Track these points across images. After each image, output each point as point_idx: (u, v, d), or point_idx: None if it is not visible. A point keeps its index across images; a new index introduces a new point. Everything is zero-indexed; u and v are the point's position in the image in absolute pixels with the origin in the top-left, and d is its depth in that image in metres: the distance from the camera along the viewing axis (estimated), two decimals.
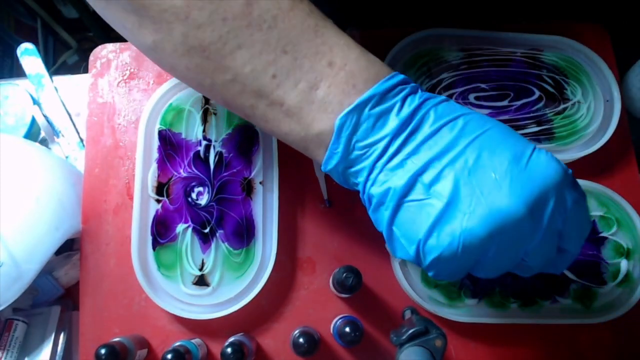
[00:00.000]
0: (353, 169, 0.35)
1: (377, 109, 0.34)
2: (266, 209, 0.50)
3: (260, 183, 0.50)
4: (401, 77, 0.35)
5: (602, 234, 0.51)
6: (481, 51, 0.55)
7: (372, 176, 0.34)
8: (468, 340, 0.50)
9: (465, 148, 0.32)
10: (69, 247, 0.56)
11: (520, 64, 0.55)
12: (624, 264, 0.50)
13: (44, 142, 0.61)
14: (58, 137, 0.60)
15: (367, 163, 0.34)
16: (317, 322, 0.50)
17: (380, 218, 0.35)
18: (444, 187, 0.32)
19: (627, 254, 0.51)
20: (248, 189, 0.50)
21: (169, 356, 0.42)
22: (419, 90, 0.35)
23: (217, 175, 0.50)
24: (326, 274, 0.51)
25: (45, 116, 0.61)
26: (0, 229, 0.44)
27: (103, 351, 0.42)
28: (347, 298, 0.51)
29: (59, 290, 0.54)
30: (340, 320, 0.47)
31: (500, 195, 0.31)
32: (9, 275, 0.45)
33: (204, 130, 0.51)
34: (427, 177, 0.33)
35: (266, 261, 0.49)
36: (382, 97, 0.34)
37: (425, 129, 0.33)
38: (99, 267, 0.51)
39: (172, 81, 0.52)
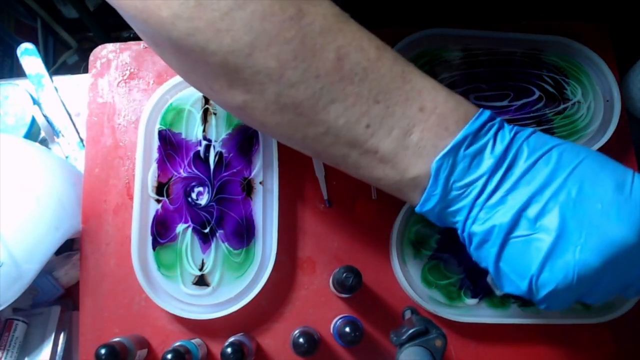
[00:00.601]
0: (451, 209, 0.36)
1: (472, 149, 0.34)
2: (266, 209, 0.50)
3: (260, 183, 0.50)
4: (488, 113, 0.35)
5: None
6: (481, 51, 0.55)
7: (472, 214, 0.35)
8: (468, 340, 0.50)
9: (565, 180, 0.33)
10: (69, 247, 0.56)
11: (520, 64, 0.55)
12: None
13: (44, 142, 0.61)
14: (58, 137, 0.60)
15: (466, 202, 0.35)
16: (317, 322, 0.50)
17: (486, 255, 0.36)
18: (551, 221, 0.33)
19: None
20: (248, 189, 0.50)
21: (169, 356, 0.42)
22: (506, 125, 0.36)
23: (217, 175, 0.50)
24: (326, 274, 0.51)
25: (45, 116, 0.61)
26: (0, 229, 0.44)
27: (103, 351, 0.42)
28: (347, 298, 0.51)
29: (59, 290, 0.54)
30: (340, 320, 0.47)
31: (610, 226, 0.32)
32: (9, 275, 0.45)
33: (204, 130, 0.51)
34: (531, 212, 0.33)
35: (266, 261, 0.49)
36: (475, 136, 0.34)
37: (521, 164, 0.34)
38: (99, 267, 0.51)
39: (172, 81, 0.52)
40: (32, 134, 0.60)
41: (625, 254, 0.32)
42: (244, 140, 0.51)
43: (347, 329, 0.44)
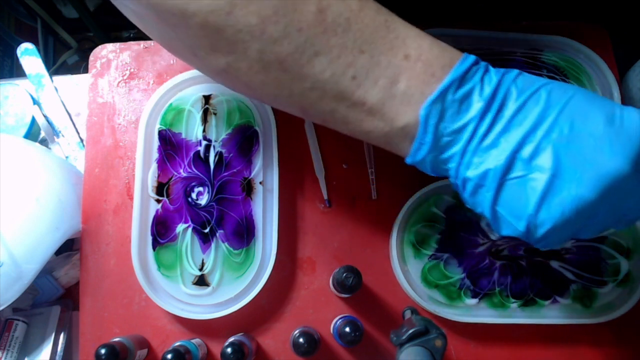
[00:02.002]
0: (443, 156, 0.36)
1: (459, 93, 0.34)
2: (266, 209, 0.50)
3: (260, 183, 0.50)
4: (473, 57, 0.35)
5: (602, 234, 0.51)
6: (481, 51, 0.55)
7: (465, 160, 0.35)
8: (468, 340, 0.50)
9: (556, 118, 0.33)
10: (69, 247, 0.56)
11: (520, 64, 0.55)
12: (624, 264, 0.50)
13: (44, 142, 0.61)
14: (58, 137, 0.60)
15: (458, 148, 0.35)
16: (317, 322, 0.50)
17: (481, 200, 0.35)
18: (545, 159, 0.32)
19: (627, 253, 0.51)
20: (248, 189, 0.50)
21: (169, 356, 0.42)
22: (490, 68, 0.35)
23: (217, 175, 0.50)
24: (326, 274, 0.51)
25: (45, 116, 0.61)
26: (0, 229, 0.44)
27: (103, 351, 0.42)
28: (347, 298, 0.51)
29: (59, 290, 0.54)
30: (340, 320, 0.47)
31: (604, 158, 0.32)
32: (9, 275, 0.45)
33: (204, 130, 0.51)
34: (525, 152, 0.33)
35: (266, 261, 0.49)
36: (462, 80, 0.34)
37: (511, 106, 0.34)
38: (99, 267, 0.51)
39: (172, 81, 0.52)
40: (32, 134, 0.60)
41: (620, 184, 0.32)
42: (244, 140, 0.51)
43: (347, 329, 0.44)
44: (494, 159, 0.34)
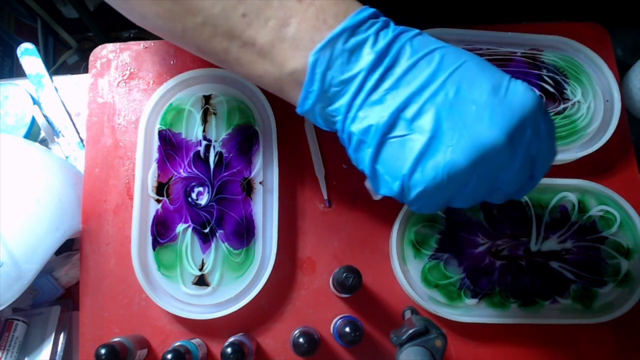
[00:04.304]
0: (330, 108, 0.35)
1: (350, 43, 0.33)
2: (266, 209, 0.50)
3: (260, 183, 0.50)
4: (372, 10, 0.35)
5: (602, 234, 0.51)
6: (481, 51, 0.55)
7: (351, 114, 0.34)
8: (468, 340, 0.50)
9: (444, 82, 0.32)
10: (69, 247, 0.56)
11: (520, 64, 0.55)
12: (624, 264, 0.50)
13: (44, 142, 0.61)
14: (58, 137, 0.60)
15: (344, 100, 0.34)
16: (317, 322, 0.50)
17: (362, 157, 0.35)
18: (426, 121, 0.32)
19: (627, 253, 0.51)
20: (248, 189, 0.50)
21: (169, 356, 0.42)
22: (391, 24, 0.35)
23: (217, 175, 0.50)
24: (326, 274, 0.51)
25: (45, 116, 0.61)
26: (0, 229, 0.44)
27: (103, 351, 0.42)
28: (347, 298, 0.51)
29: (59, 290, 0.54)
30: (340, 320, 0.47)
31: (482, 127, 0.32)
32: (9, 275, 0.45)
33: (204, 130, 0.51)
34: (408, 112, 0.33)
35: (266, 261, 0.49)
36: (354, 31, 0.33)
37: (403, 63, 0.33)
38: (99, 267, 0.51)
39: (172, 81, 0.52)
40: (32, 134, 0.60)
41: (494, 155, 0.32)
42: (244, 140, 0.51)
43: (347, 329, 0.44)
44: (378, 115, 0.33)
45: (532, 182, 0.36)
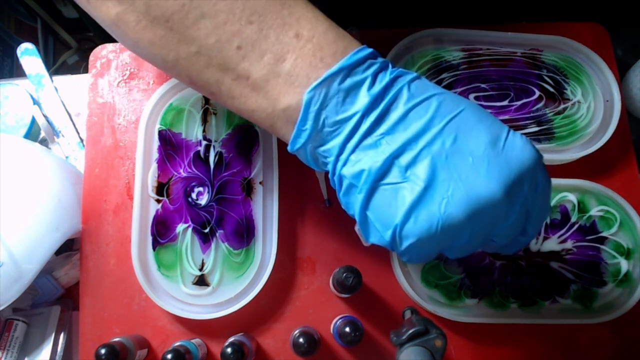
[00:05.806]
0: (322, 148, 0.34)
1: (347, 84, 0.33)
2: (266, 209, 0.50)
3: (260, 183, 0.50)
4: (370, 50, 0.34)
5: (602, 234, 0.51)
6: (481, 51, 0.55)
7: (343, 156, 0.33)
8: (468, 340, 0.50)
9: (441, 130, 0.32)
10: (69, 247, 0.56)
11: (520, 64, 0.55)
12: (624, 264, 0.50)
13: (44, 142, 0.61)
14: (58, 137, 0.60)
15: (337, 141, 0.33)
16: (317, 322, 0.50)
17: (353, 201, 0.34)
18: (422, 170, 0.31)
19: (627, 253, 0.51)
20: (248, 189, 0.50)
21: (169, 356, 0.42)
22: (389, 66, 0.34)
23: (217, 175, 0.50)
24: (326, 274, 0.51)
25: (45, 116, 0.61)
26: (0, 229, 0.44)
27: (103, 351, 0.42)
28: (347, 298, 0.51)
29: (59, 290, 0.54)
30: (340, 320, 0.47)
31: (479, 180, 0.31)
32: (9, 275, 0.45)
33: (204, 130, 0.51)
34: (404, 159, 0.32)
35: (266, 261, 0.49)
36: (352, 70, 0.33)
37: (400, 108, 0.33)
38: (99, 267, 0.51)
39: (172, 81, 0.52)
40: (32, 134, 0.60)
41: (490, 209, 0.31)
42: (244, 140, 0.51)
43: (347, 329, 0.44)
44: (371, 160, 0.32)
45: (524, 237, 0.36)
